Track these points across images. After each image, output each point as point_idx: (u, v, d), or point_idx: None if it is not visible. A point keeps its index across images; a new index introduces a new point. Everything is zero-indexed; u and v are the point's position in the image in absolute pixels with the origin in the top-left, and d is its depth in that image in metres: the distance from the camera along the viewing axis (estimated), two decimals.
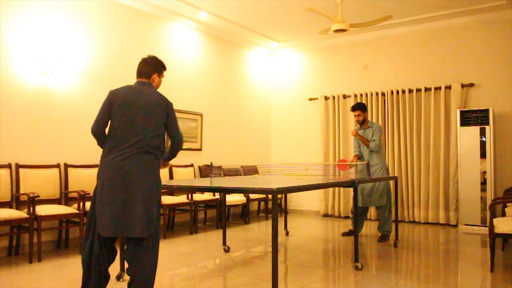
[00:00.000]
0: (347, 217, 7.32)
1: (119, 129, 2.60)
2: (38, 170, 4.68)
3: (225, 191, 4.58)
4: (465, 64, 6.54)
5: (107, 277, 2.68)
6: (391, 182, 5.47)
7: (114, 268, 3.46)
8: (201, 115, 6.90)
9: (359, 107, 5.33)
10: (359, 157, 5.40)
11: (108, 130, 2.68)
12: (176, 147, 2.87)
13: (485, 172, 5.89)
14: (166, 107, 2.74)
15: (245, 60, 7.99)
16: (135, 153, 2.56)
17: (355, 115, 5.37)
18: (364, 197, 5.23)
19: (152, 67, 2.87)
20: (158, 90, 2.95)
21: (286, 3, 6.10)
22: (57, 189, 4.79)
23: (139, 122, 2.61)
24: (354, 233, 5.25)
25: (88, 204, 3.95)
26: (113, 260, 2.72)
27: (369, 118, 7.16)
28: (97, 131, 2.70)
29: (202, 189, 4.88)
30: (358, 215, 5.18)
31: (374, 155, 5.26)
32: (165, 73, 3.09)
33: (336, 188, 7.39)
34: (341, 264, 4.32)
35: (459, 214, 6.15)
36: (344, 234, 5.62)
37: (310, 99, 7.96)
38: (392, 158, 6.93)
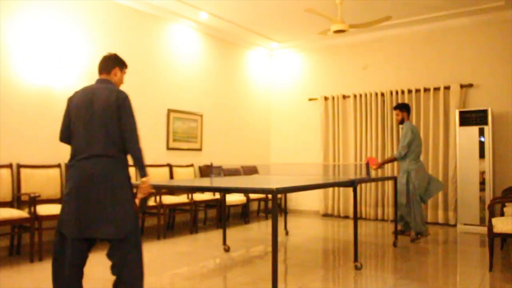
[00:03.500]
0: (346, 217, 7.34)
1: (78, 134, 2.60)
2: (39, 170, 4.70)
3: (225, 191, 4.60)
4: (464, 65, 6.56)
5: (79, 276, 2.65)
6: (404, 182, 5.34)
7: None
8: (201, 116, 6.92)
9: (397, 107, 5.45)
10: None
11: (71, 136, 2.68)
12: (132, 153, 2.58)
13: (484, 172, 5.91)
14: (116, 102, 2.56)
15: (245, 60, 8.01)
16: (94, 156, 2.55)
17: (394, 115, 5.54)
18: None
19: (111, 61, 2.76)
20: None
21: (286, 4, 6.11)
22: (58, 189, 4.80)
23: (94, 124, 2.58)
24: (403, 232, 5.38)
25: None
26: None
27: (369, 118, 7.20)
28: (62, 139, 2.75)
29: (202, 189, 4.90)
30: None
31: (401, 160, 5.34)
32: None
33: (336, 188, 7.40)
34: (340, 264, 4.33)
35: (458, 214, 6.17)
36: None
37: (310, 99, 7.98)
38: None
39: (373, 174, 5.91)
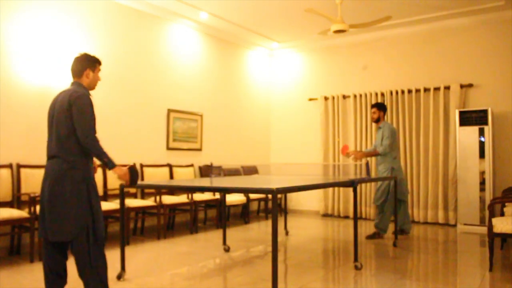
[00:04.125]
0: (346, 217, 7.34)
1: (48, 136, 2.71)
2: (39, 170, 4.68)
3: (225, 191, 4.60)
4: (464, 65, 6.56)
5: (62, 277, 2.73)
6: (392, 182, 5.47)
7: (114, 268, 3.48)
8: (201, 116, 6.92)
9: (376, 105, 5.55)
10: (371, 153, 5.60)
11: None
12: (88, 148, 2.58)
13: (484, 172, 5.91)
14: (68, 102, 2.58)
15: (245, 60, 8.01)
16: (49, 158, 2.66)
17: (371, 112, 5.58)
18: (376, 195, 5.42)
19: (81, 63, 2.77)
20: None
21: (286, 4, 6.11)
22: None
23: (52, 127, 2.67)
24: (403, 232, 5.53)
25: None
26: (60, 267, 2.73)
27: (369, 118, 7.19)
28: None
29: (202, 189, 4.90)
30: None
31: (381, 157, 5.38)
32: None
33: (336, 188, 7.41)
34: (340, 264, 4.33)
35: (458, 214, 6.17)
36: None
37: (310, 99, 7.98)
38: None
39: (373, 174, 5.93)
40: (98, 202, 2.68)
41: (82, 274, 2.60)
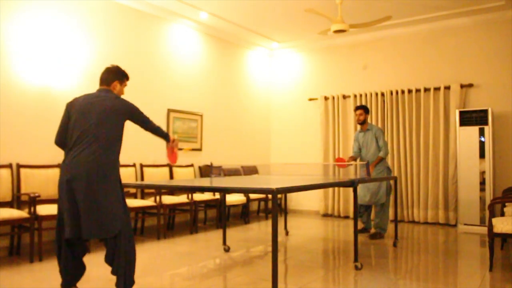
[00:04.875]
0: (346, 217, 7.34)
1: (74, 136, 2.74)
2: (39, 170, 4.69)
3: (225, 191, 4.60)
4: (464, 65, 6.56)
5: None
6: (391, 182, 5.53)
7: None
8: (201, 116, 6.92)
9: (362, 107, 5.54)
10: (355, 159, 5.59)
11: (67, 137, 2.80)
12: (152, 128, 3.13)
13: (484, 172, 5.91)
14: (123, 109, 2.88)
15: (245, 60, 8.01)
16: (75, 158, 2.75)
17: (357, 114, 5.54)
18: (371, 196, 5.34)
19: (113, 74, 2.94)
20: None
21: (286, 4, 6.11)
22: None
23: (90, 126, 2.72)
24: (366, 230, 5.59)
25: None
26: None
27: (369, 118, 7.18)
28: (57, 142, 2.86)
29: (202, 189, 4.89)
30: (362, 212, 5.56)
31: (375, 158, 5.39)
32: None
33: (336, 188, 7.40)
34: (340, 264, 4.33)
35: (458, 214, 6.17)
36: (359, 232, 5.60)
37: (310, 99, 7.98)
38: (391, 158, 6.94)
39: (373, 174, 5.91)
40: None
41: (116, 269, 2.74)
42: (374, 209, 5.56)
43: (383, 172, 5.41)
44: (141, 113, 3.01)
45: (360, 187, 5.32)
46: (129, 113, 2.90)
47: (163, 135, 3.20)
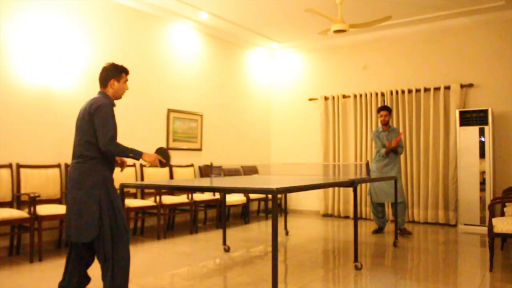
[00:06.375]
0: (346, 217, 7.34)
1: (74, 140, 2.75)
2: (39, 170, 4.70)
3: (225, 191, 4.60)
4: (464, 65, 6.56)
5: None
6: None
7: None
8: (201, 116, 6.92)
9: (387, 108, 5.72)
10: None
11: None
12: (106, 153, 2.65)
13: (484, 172, 5.91)
14: (89, 109, 2.64)
15: (245, 60, 8.01)
16: (73, 160, 2.71)
17: (382, 115, 5.69)
18: (386, 194, 5.56)
19: (106, 73, 2.81)
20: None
21: (286, 4, 6.11)
22: (57, 189, 4.81)
23: (77, 133, 2.71)
24: (382, 230, 5.81)
25: None
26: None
27: (369, 118, 7.21)
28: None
29: (202, 189, 4.89)
30: (380, 211, 5.78)
31: (393, 158, 5.65)
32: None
33: (336, 188, 7.40)
34: (340, 264, 4.33)
35: (458, 214, 6.17)
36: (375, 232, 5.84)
37: (310, 99, 7.98)
38: None
39: (373, 174, 5.91)
40: (119, 202, 2.72)
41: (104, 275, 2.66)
42: (393, 207, 5.71)
43: (399, 173, 5.65)
44: (104, 123, 2.60)
45: (377, 187, 5.60)
46: (92, 113, 2.62)
47: (126, 154, 2.70)
